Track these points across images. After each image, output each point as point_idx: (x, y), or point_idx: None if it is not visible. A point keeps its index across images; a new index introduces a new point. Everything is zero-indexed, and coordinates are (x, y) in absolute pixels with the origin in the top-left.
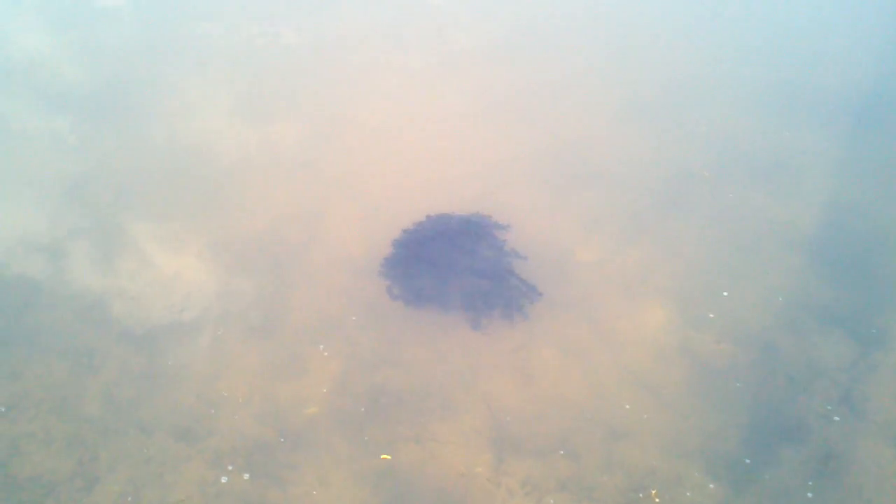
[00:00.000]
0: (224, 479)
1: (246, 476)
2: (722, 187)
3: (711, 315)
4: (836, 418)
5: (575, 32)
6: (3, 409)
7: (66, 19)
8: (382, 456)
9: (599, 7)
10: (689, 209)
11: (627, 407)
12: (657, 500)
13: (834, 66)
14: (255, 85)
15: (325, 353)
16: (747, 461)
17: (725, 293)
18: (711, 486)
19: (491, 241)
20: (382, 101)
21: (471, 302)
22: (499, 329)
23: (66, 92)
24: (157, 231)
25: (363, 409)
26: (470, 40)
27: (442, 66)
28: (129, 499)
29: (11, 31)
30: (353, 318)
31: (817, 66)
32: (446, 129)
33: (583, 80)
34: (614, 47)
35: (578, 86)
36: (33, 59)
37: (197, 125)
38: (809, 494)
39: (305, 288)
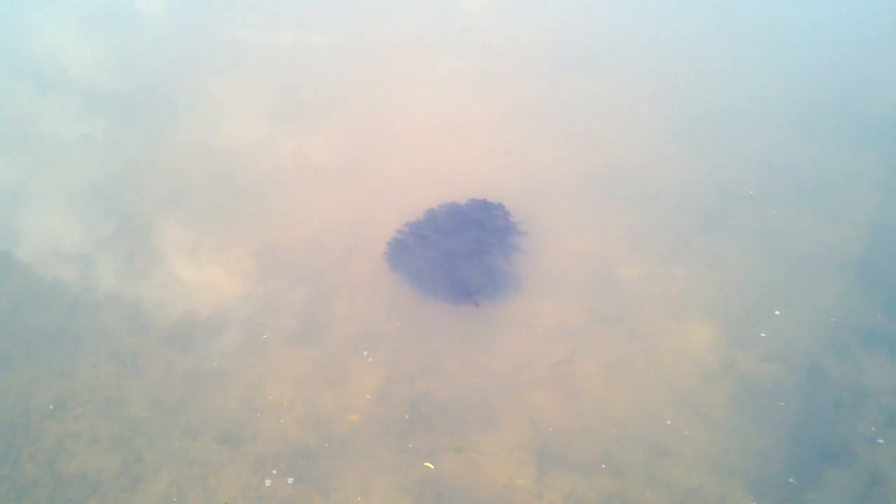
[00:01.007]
0: (268, 483)
1: (290, 481)
2: (767, 207)
3: (763, 334)
4: (881, 441)
5: (620, 48)
6: (51, 407)
7: (102, 24)
8: (426, 464)
9: (646, 24)
10: (734, 228)
11: (669, 423)
12: None
13: (882, 86)
14: (289, 92)
15: (370, 360)
16: (791, 481)
17: (778, 312)
18: None
19: (490, 221)
20: (419, 111)
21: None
22: (543, 341)
23: (102, 96)
24: (200, 237)
25: (407, 417)
26: (510, 51)
27: (481, 76)
28: (174, 500)
29: (48, 34)
30: (398, 325)
31: (865, 86)
32: (486, 141)
33: (627, 96)
34: (660, 64)
35: (623, 101)
36: (69, 63)
37: (233, 131)
38: None
39: (348, 296)
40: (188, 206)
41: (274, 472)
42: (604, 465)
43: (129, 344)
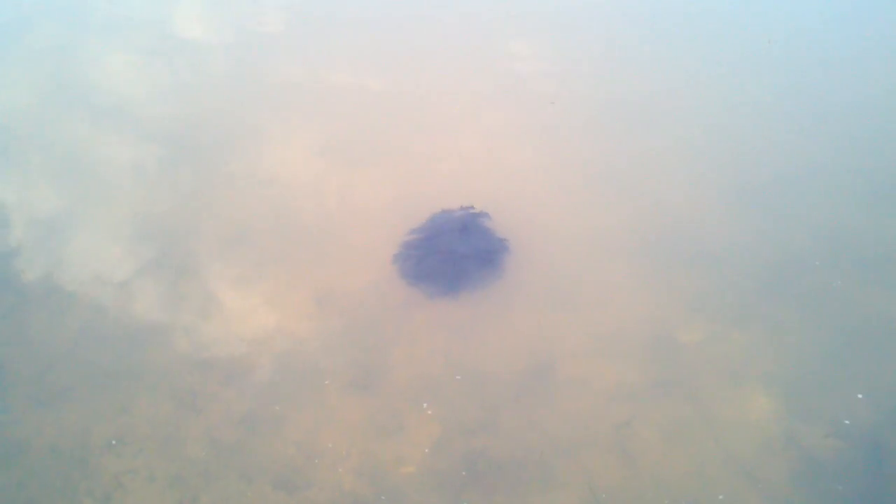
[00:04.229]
0: None
1: None
2: (832, 276)
3: (847, 421)
4: None
5: (679, 105)
6: (113, 442)
7: (158, 56)
8: None
9: (707, 83)
10: (796, 297)
11: (724, 496)
12: None
13: None
14: (340, 133)
15: (429, 412)
16: None
17: (843, 385)
18: None
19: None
20: (470, 158)
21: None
22: (600, 402)
23: (153, 127)
24: (260, 278)
25: (464, 474)
26: (565, 104)
27: (534, 127)
28: None
29: (104, 64)
30: (458, 378)
31: None
32: (539, 194)
33: (686, 156)
34: (725, 125)
35: (681, 161)
36: (122, 93)
37: (289, 171)
38: None
39: (406, 343)
40: (247, 245)
41: None
42: None
43: (188, 383)
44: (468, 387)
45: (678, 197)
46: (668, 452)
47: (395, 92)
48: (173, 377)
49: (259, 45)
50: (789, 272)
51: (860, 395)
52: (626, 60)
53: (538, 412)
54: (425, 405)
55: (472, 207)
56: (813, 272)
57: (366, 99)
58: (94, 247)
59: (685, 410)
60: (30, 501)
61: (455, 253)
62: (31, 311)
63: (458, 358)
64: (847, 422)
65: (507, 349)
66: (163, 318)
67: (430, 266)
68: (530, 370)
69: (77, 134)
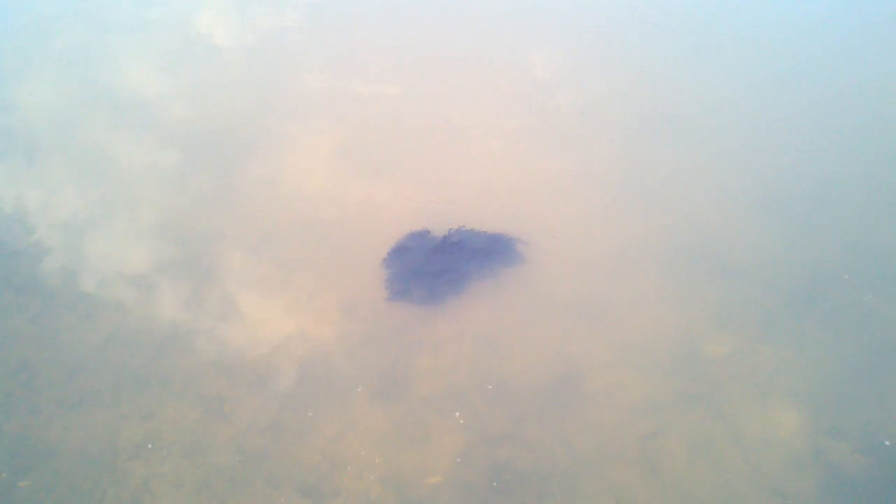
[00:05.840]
0: None
1: None
2: (861, 291)
3: (887, 442)
4: None
5: (708, 119)
6: (149, 446)
7: (181, 60)
8: None
9: (736, 97)
10: (825, 311)
11: None
12: None
13: None
14: (361, 139)
15: (461, 422)
16: None
17: (871, 401)
18: None
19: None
20: (491, 166)
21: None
22: (626, 415)
23: (176, 131)
24: (286, 284)
25: (495, 485)
26: (591, 114)
27: (555, 136)
28: None
29: (128, 67)
30: (490, 387)
31: None
32: (560, 202)
33: (714, 169)
34: (750, 139)
35: (709, 174)
36: (147, 95)
37: (309, 177)
38: None
39: (430, 353)
40: (271, 251)
41: None
42: None
43: (214, 388)
44: (494, 397)
45: (706, 210)
46: (694, 466)
47: (417, 99)
48: (200, 382)
49: (281, 50)
50: (818, 286)
51: (870, 403)
52: (654, 73)
53: (564, 423)
54: (457, 414)
55: (451, 228)
56: (842, 286)
57: (387, 105)
58: (119, 251)
59: (712, 424)
60: None
61: (427, 270)
62: (59, 315)
63: (485, 368)
64: (887, 443)
65: (533, 360)
66: (189, 323)
67: (405, 282)
68: (556, 381)
69: (101, 137)
